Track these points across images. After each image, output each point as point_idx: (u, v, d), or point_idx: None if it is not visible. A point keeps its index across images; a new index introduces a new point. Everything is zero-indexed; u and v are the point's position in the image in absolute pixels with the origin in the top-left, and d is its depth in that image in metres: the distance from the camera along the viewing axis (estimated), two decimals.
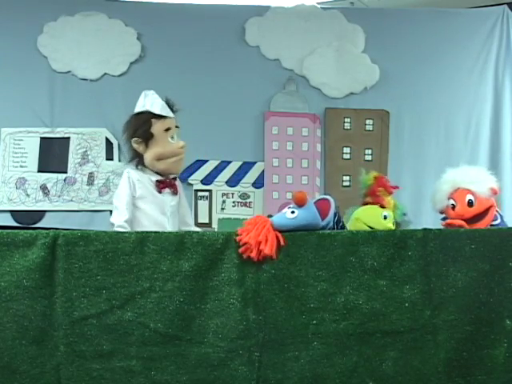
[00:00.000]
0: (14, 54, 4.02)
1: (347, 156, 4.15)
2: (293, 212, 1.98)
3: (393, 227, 2.47)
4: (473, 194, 2.45)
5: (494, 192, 2.50)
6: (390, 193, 2.58)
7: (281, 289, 1.89)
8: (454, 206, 2.48)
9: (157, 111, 2.59)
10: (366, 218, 2.51)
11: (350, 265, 1.90)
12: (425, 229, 1.94)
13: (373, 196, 2.63)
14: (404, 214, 2.55)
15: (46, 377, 1.85)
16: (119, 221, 2.44)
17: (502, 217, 2.49)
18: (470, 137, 4.12)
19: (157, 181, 2.55)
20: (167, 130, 2.57)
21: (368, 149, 4.14)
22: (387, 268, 1.90)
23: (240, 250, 1.88)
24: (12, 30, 4.03)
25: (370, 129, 4.15)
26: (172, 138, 2.59)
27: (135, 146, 2.57)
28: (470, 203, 2.44)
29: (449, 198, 2.50)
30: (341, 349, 1.88)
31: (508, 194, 3.97)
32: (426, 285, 1.89)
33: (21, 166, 4.02)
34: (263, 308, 1.88)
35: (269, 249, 1.87)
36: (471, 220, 2.39)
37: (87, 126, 4.05)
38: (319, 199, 2.13)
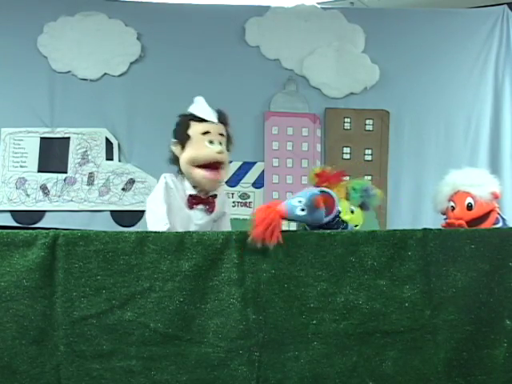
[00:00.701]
0: (14, 53, 4.03)
1: (347, 156, 4.16)
2: (303, 210, 1.98)
3: (348, 216, 2.42)
4: (473, 197, 2.43)
5: (495, 196, 2.48)
6: (337, 182, 2.56)
7: (281, 289, 1.88)
8: (453, 208, 2.47)
9: (197, 113, 2.44)
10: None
11: (349, 265, 1.89)
12: (425, 229, 1.94)
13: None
14: (365, 191, 2.51)
15: (46, 377, 1.85)
16: (163, 228, 2.25)
17: (504, 220, 2.47)
18: (470, 137, 4.12)
19: (190, 195, 2.39)
20: (205, 133, 2.39)
21: (368, 149, 4.14)
22: (387, 268, 1.90)
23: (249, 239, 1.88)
24: (12, 29, 4.05)
25: (370, 129, 4.15)
26: (211, 142, 2.38)
27: (173, 148, 2.43)
28: (470, 206, 2.43)
29: (449, 200, 2.49)
30: (341, 349, 1.88)
31: (508, 194, 3.97)
32: (425, 285, 1.89)
33: (21, 166, 4.03)
34: (263, 308, 1.88)
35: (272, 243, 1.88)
36: (470, 223, 2.39)
37: (87, 126, 4.05)
38: (322, 192, 2.10)
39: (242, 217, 4.06)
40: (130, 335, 1.86)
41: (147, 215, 2.39)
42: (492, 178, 2.53)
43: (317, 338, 1.88)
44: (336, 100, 4.15)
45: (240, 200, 4.09)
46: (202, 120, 2.42)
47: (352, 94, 4.15)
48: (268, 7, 4.19)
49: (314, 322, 1.88)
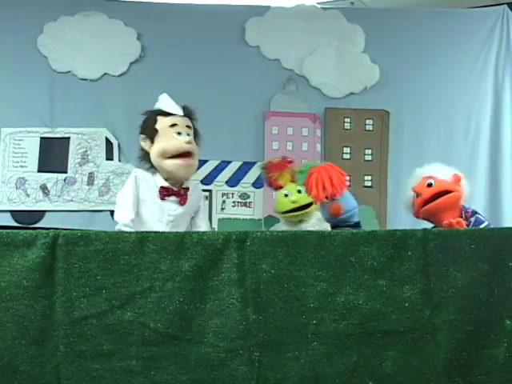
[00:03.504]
0: (14, 53, 4.02)
1: (347, 156, 4.15)
2: None
3: (297, 198, 2.52)
4: (433, 178, 2.49)
5: (457, 178, 2.52)
6: (282, 170, 2.64)
7: (281, 289, 1.88)
8: (417, 195, 2.51)
9: (162, 107, 2.50)
10: (276, 207, 2.63)
11: (349, 265, 1.89)
12: (425, 229, 1.95)
13: (271, 186, 2.73)
14: (306, 170, 2.56)
15: (46, 377, 1.85)
16: (124, 219, 2.39)
17: (472, 213, 2.49)
18: (470, 137, 4.12)
19: (161, 187, 2.46)
20: (173, 125, 2.47)
21: (368, 149, 4.14)
22: (387, 268, 1.90)
23: None
24: (12, 29, 4.04)
25: (370, 129, 4.15)
26: (179, 134, 2.46)
27: (142, 143, 2.51)
28: (429, 185, 2.47)
29: (414, 191, 2.54)
30: (341, 349, 1.88)
31: (508, 193, 3.98)
32: (425, 285, 1.89)
33: (21, 166, 4.03)
34: (263, 308, 1.88)
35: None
36: (431, 200, 2.43)
37: (87, 126, 4.05)
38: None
39: (242, 217, 4.07)
40: (130, 335, 1.86)
41: (115, 208, 2.48)
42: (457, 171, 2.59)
43: (317, 337, 1.88)
44: (336, 100, 4.15)
45: (240, 200, 4.09)
46: (168, 114, 2.48)
47: (352, 93, 4.14)
48: (268, 7, 4.19)
49: (314, 321, 1.88)
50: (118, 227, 2.40)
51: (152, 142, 2.48)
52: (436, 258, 1.90)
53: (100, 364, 1.86)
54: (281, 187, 2.76)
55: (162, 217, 2.44)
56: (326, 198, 2.47)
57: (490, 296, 1.89)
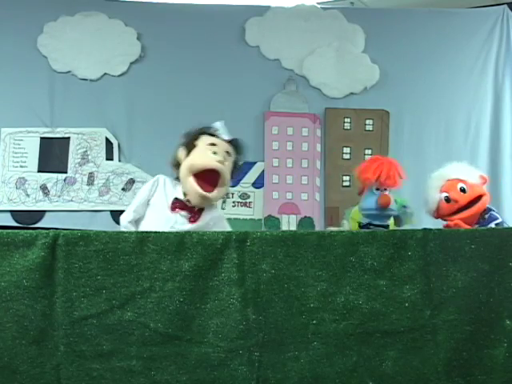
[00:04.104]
0: (14, 53, 4.03)
1: (347, 156, 4.16)
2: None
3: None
4: (463, 182, 2.47)
5: (484, 180, 2.52)
6: (383, 188, 2.60)
7: (281, 289, 1.88)
8: (447, 199, 2.49)
9: (211, 129, 2.45)
10: (358, 216, 2.54)
11: (349, 265, 1.89)
12: (425, 229, 1.94)
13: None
14: (404, 207, 2.55)
15: (45, 377, 1.85)
16: (124, 220, 2.43)
17: (491, 210, 2.49)
18: (470, 137, 4.12)
19: (175, 198, 2.40)
20: (212, 144, 2.40)
21: (368, 149, 4.14)
22: (387, 268, 1.90)
23: None
24: (12, 29, 4.05)
25: (370, 129, 4.15)
26: (215, 153, 2.38)
27: (179, 154, 2.44)
28: (463, 190, 2.46)
29: (441, 192, 2.51)
30: (341, 349, 1.88)
31: (508, 193, 3.98)
32: (425, 285, 1.89)
33: (21, 166, 4.03)
34: (263, 308, 1.88)
35: None
36: (466, 206, 2.42)
37: (87, 126, 4.05)
38: None
39: (242, 217, 4.07)
40: (130, 335, 1.86)
41: None
42: (475, 168, 2.58)
43: (317, 338, 1.88)
44: (336, 100, 4.15)
45: (240, 200, 4.09)
46: (212, 135, 2.44)
47: (352, 93, 4.14)
48: (268, 7, 4.19)
49: (314, 322, 1.88)
50: (119, 228, 2.42)
51: (188, 154, 2.42)
52: (436, 258, 1.90)
53: (100, 364, 1.86)
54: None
55: (164, 227, 2.33)
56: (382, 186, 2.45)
57: (490, 296, 1.89)
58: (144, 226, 2.42)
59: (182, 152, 2.44)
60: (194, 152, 2.40)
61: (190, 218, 2.40)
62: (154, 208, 2.43)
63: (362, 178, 2.51)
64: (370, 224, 2.48)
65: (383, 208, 2.44)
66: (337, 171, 4.11)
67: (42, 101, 4.04)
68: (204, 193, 2.34)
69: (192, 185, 2.35)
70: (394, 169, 2.47)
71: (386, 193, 2.45)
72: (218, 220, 2.50)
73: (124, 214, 2.47)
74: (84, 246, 1.87)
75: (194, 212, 2.41)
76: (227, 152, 2.43)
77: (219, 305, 1.87)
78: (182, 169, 2.39)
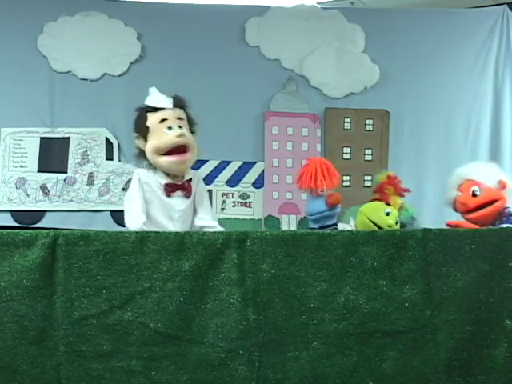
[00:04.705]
0: (14, 53, 4.02)
1: (347, 156, 4.16)
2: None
3: (394, 224, 2.50)
4: (478, 184, 2.46)
5: (503, 185, 2.50)
6: (399, 193, 2.62)
7: (281, 289, 1.89)
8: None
9: (151, 103, 2.47)
10: (369, 212, 2.59)
11: (349, 265, 1.90)
12: (425, 229, 1.94)
13: (380, 193, 2.68)
14: (412, 218, 2.57)
15: (45, 377, 1.85)
16: (137, 224, 2.33)
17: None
18: (470, 136, 4.13)
19: (166, 184, 2.42)
20: (162, 120, 2.42)
21: (368, 149, 4.14)
22: (387, 268, 1.90)
23: None
24: (12, 29, 4.04)
25: (370, 129, 4.15)
26: (170, 128, 2.41)
27: (136, 142, 2.48)
28: (475, 193, 2.46)
29: (457, 190, 2.53)
30: (341, 349, 1.88)
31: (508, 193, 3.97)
32: (426, 285, 1.89)
33: (21, 166, 4.03)
34: (263, 308, 1.88)
35: None
36: (476, 210, 2.42)
37: (87, 126, 4.05)
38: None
39: (241, 217, 4.07)
40: (129, 335, 1.86)
41: (124, 214, 2.44)
42: (501, 171, 2.57)
43: (317, 338, 1.88)
44: (336, 100, 4.15)
45: (240, 200, 4.09)
46: (157, 109, 2.45)
47: (352, 93, 4.14)
48: (268, 7, 4.19)
49: (314, 322, 1.88)
50: None
51: (145, 139, 2.45)
52: (436, 258, 1.90)
53: (100, 364, 1.86)
54: (386, 202, 2.69)
55: (171, 214, 2.41)
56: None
57: (490, 296, 1.89)
58: (152, 223, 2.39)
59: (139, 139, 2.47)
60: (151, 135, 2.42)
61: (185, 195, 2.45)
62: (152, 203, 2.42)
63: (299, 187, 2.64)
64: (321, 228, 2.56)
65: (334, 207, 2.55)
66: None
67: (42, 101, 4.04)
68: (181, 159, 2.40)
69: (166, 160, 2.39)
70: (325, 171, 2.57)
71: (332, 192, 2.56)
72: (198, 177, 2.56)
73: (130, 218, 2.39)
74: (84, 246, 1.87)
75: (185, 187, 2.45)
76: (178, 118, 2.46)
77: (219, 305, 1.87)
78: (149, 155, 2.42)
